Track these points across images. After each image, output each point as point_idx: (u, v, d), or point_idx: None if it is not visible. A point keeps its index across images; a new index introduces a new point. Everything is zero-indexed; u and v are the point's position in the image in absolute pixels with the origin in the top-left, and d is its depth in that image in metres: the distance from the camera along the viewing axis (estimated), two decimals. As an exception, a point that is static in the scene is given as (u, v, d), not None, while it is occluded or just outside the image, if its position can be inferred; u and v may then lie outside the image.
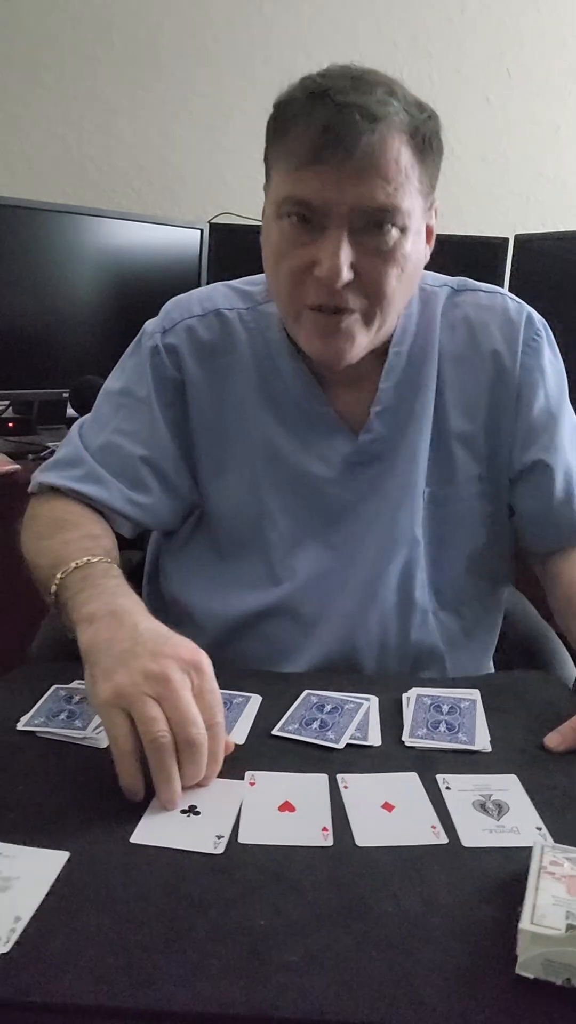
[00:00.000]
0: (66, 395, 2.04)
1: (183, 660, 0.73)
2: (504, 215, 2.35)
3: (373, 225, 0.89)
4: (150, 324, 1.09)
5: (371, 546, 1.03)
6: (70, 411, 2.12)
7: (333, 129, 0.85)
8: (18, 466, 1.88)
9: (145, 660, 0.72)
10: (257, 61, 2.33)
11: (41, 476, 1.08)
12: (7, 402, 2.20)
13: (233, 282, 1.11)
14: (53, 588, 0.89)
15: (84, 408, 1.91)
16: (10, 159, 2.39)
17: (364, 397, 1.03)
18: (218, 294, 1.09)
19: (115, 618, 0.78)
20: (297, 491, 1.04)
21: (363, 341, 0.95)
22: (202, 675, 0.74)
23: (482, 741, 0.80)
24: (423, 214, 0.94)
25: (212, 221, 2.22)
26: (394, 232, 0.89)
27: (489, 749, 0.80)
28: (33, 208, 1.99)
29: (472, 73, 2.31)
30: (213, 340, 1.06)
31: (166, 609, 1.11)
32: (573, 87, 2.31)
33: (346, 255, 0.88)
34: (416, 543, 1.03)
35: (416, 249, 0.94)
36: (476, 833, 0.67)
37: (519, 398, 1.04)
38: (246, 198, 2.30)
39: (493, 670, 1.16)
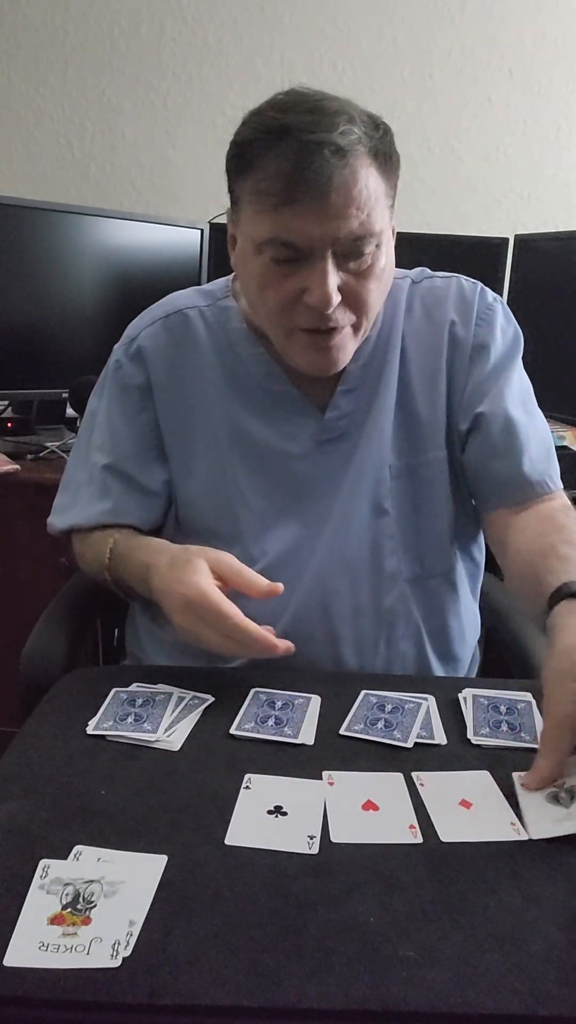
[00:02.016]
0: (65, 395, 2.02)
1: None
2: (504, 215, 2.37)
3: (352, 250, 0.94)
4: (119, 343, 1.16)
5: (336, 516, 1.08)
6: (69, 411, 2.11)
7: (306, 169, 0.88)
8: (18, 466, 1.87)
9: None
10: (259, 61, 2.33)
11: (58, 523, 1.17)
12: (6, 402, 2.18)
13: (195, 287, 1.18)
14: (106, 558, 1.07)
15: (83, 408, 1.91)
16: (13, 159, 2.38)
17: (330, 378, 1.07)
18: (179, 296, 1.16)
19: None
20: (267, 469, 1.09)
21: (351, 348, 1.02)
22: None
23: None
24: (390, 221, 1.00)
25: (212, 221, 2.22)
26: (371, 251, 0.95)
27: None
28: (34, 208, 1.98)
29: (473, 73, 2.33)
30: (176, 337, 1.11)
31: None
32: (574, 87, 2.33)
33: (333, 281, 0.93)
34: (383, 513, 1.07)
35: (389, 255, 1.00)
36: (547, 825, 0.69)
37: (471, 363, 1.10)
38: (247, 197, 2.31)
39: (480, 655, 1.20)
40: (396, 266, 1.06)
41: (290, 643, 0.89)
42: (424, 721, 0.85)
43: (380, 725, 0.84)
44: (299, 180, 0.89)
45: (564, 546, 0.95)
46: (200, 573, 0.90)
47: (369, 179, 0.92)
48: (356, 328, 1.00)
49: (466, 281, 1.13)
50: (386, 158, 0.95)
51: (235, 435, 1.09)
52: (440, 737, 0.83)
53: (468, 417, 1.09)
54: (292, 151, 0.88)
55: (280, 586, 0.91)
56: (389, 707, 0.87)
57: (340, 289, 0.94)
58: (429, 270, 1.16)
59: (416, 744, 0.81)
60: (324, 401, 1.08)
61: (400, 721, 0.84)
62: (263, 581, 0.91)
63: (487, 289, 1.13)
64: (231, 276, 1.14)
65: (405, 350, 1.10)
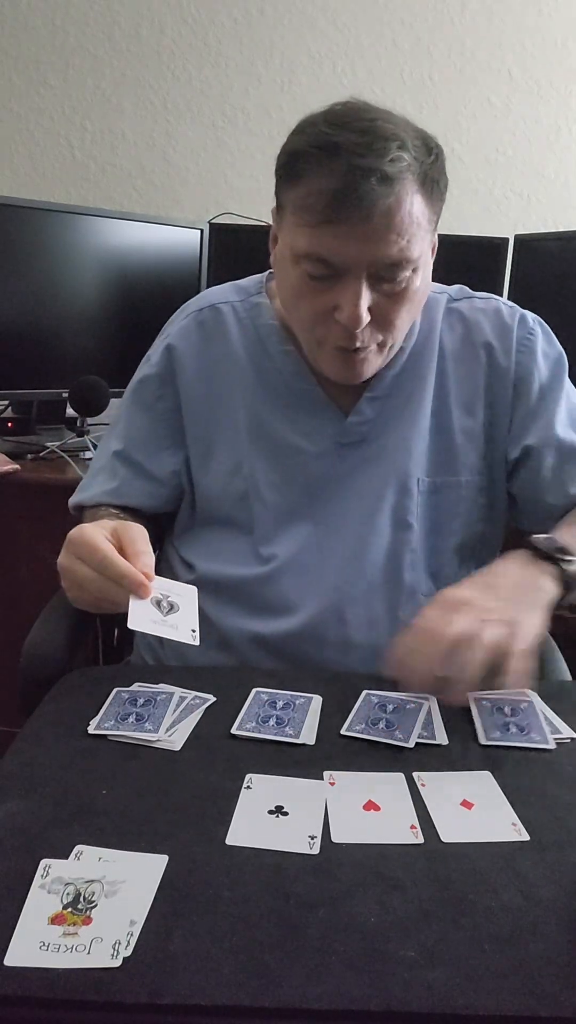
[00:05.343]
0: (66, 395, 2.02)
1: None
2: (504, 215, 2.38)
3: (388, 274, 0.95)
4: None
5: (353, 521, 1.08)
6: (69, 411, 2.11)
7: (350, 192, 0.89)
8: (18, 466, 1.87)
9: None
10: (259, 61, 2.33)
11: (70, 501, 1.20)
12: (6, 402, 2.18)
13: (232, 282, 1.19)
14: None
15: (83, 408, 1.92)
16: (13, 159, 2.38)
17: (360, 384, 1.07)
18: (215, 292, 1.18)
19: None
20: (283, 465, 1.10)
21: (377, 363, 1.04)
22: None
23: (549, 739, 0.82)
24: (430, 243, 1.00)
25: (212, 221, 2.22)
26: (407, 275, 0.96)
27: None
28: (34, 208, 1.98)
29: (473, 74, 2.33)
30: (206, 331, 1.14)
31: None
32: (574, 87, 2.34)
33: (365, 302, 0.95)
34: (407, 527, 1.08)
35: (425, 278, 1.00)
36: (144, 620, 0.78)
37: (516, 395, 1.10)
38: (247, 198, 2.31)
39: None
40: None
41: (148, 584, 0.85)
42: (425, 721, 0.84)
43: (381, 725, 0.83)
44: (343, 203, 0.89)
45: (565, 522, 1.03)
46: (94, 526, 0.90)
47: (413, 206, 0.92)
48: (382, 346, 1.01)
49: (504, 305, 1.14)
50: (433, 184, 0.95)
51: (256, 428, 1.10)
52: (441, 737, 0.82)
53: (516, 448, 1.10)
54: (340, 173, 0.89)
55: (147, 586, 0.84)
56: (391, 707, 0.87)
57: (370, 309, 0.95)
58: (468, 288, 1.16)
59: (417, 744, 0.81)
60: (349, 404, 1.09)
61: (401, 721, 0.84)
62: (139, 563, 0.86)
63: (527, 313, 1.13)
64: (265, 273, 1.15)
65: (443, 369, 1.10)
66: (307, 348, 1.06)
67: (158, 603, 0.85)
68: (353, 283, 0.94)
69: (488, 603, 0.86)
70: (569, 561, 0.94)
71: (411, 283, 0.97)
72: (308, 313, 0.99)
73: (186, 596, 0.88)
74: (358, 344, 0.98)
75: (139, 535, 0.89)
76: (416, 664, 0.84)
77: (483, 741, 0.82)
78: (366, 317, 0.95)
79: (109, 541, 0.87)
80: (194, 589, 0.90)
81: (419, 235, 0.94)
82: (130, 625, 0.82)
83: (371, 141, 0.89)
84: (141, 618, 0.83)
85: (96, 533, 0.87)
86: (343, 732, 0.82)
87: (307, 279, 0.96)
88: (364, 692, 0.90)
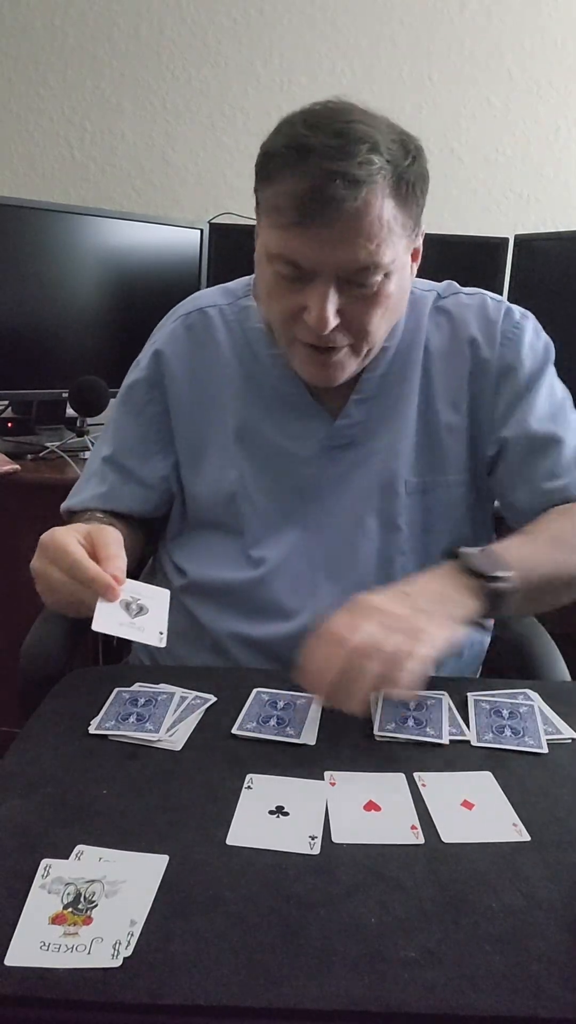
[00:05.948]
0: (65, 395, 2.02)
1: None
2: (504, 215, 2.38)
3: (356, 278, 0.94)
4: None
5: (343, 525, 1.08)
6: (69, 411, 2.11)
7: (317, 196, 0.88)
8: (18, 466, 1.87)
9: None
10: (258, 62, 2.33)
11: (63, 506, 1.20)
12: (6, 402, 2.19)
13: (221, 284, 1.19)
14: None
15: (83, 408, 1.92)
16: (12, 159, 2.39)
17: (346, 385, 1.06)
18: (203, 295, 1.17)
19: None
20: (273, 469, 1.09)
21: (352, 366, 1.02)
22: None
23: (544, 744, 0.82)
24: (407, 249, 0.99)
25: (212, 221, 2.22)
26: (377, 279, 0.94)
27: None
28: (33, 208, 1.98)
29: (473, 73, 2.33)
30: (194, 335, 1.13)
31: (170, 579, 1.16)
32: (574, 87, 2.33)
33: (332, 305, 0.94)
34: (396, 530, 1.07)
35: (401, 283, 0.99)
36: (111, 622, 0.79)
37: (498, 389, 1.09)
38: (246, 198, 2.28)
39: (482, 663, 1.20)
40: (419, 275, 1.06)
41: (117, 587, 0.85)
42: (451, 718, 0.85)
43: (410, 723, 0.84)
44: (310, 206, 0.89)
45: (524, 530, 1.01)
46: (66, 529, 0.90)
47: (383, 211, 0.91)
48: (356, 349, 1.00)
49: (491, 299, 1.12)
50: (409, 188, 0.94)
51: (245, 432, 1.10)
52: (445, 737, 0.82)
53: (495, 443, 1.09)
54: (308, 175, 0.88)
55: (116, 589, 0.85)
56: (412, 705, 0.87)
57: (340, 311, 0.95)
58: (456, 284, 1.14)
59: (418, 744, 0.81)
60: (338, 407, 1.08)
61: (429, 718, 0.84)
62: (110, 566, 0.86)
63: (514, 307, 1.12)
64: (252, 276, 1.14)
65: (429, 367, 1.09)
66: (282, 347, 1.04)
67: (127, 605, 0.86)
68: (321, 286, 0.93)
69: (398, 610, 0.84)
70: (498, 579, 0.90)
71: (383, 288, 0.95)
72: (279, 312, 0.98)
73: (157, 599, 0.89)
74: (328, 343, 0.97)
75: (112, 539, 0.89)
76: (315, 669, 0.81)
77: (474, 743, 0.82)
78: (333, 320, 0.94)
79: (81, 544, 0.87)
80: (167, 592, 0.90)
81: (391, 240, 0.93)
82: (95, 627, 0.82)
83: (344, 144, 0.88)
84: (107, 620, 0.83)
85: (68, 537, 0.87)
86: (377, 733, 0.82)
87: (278, 279, 0.96)
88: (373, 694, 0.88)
